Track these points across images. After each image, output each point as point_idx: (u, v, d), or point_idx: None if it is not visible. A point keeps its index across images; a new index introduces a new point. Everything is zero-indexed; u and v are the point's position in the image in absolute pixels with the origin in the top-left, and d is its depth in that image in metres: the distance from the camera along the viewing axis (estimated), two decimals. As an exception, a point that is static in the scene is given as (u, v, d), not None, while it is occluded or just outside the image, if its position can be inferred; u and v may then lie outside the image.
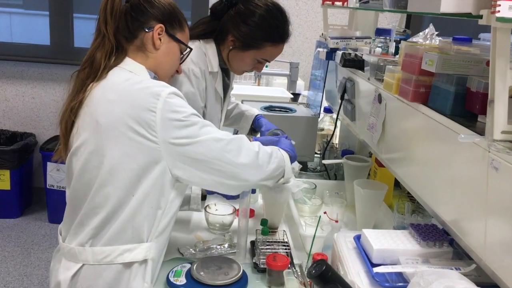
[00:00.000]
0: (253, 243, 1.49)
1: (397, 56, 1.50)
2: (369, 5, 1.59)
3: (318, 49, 2.06)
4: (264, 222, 1.56)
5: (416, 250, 1.13)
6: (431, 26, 1.34)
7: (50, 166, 3.47)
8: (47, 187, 3.52)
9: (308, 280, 1.14)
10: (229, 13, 1.62)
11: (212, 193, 1.52)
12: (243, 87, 3.13)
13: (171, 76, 1.40)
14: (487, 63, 1.01)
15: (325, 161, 2.00)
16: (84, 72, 1.24)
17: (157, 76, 1.31)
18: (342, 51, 1.72)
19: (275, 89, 3.15)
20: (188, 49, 1.38)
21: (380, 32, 1.71)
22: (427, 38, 1.32)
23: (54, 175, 3.49)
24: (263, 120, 1.93)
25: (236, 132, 2.07)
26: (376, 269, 1.07)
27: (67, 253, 1.22)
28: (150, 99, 1.14)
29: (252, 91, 3.06)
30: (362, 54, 1.67)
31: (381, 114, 1.40)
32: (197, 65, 1.59)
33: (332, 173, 2.14)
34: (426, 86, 1.14)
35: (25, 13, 4.28)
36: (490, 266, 0.89)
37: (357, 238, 1.23)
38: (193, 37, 1.60)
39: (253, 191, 1.69)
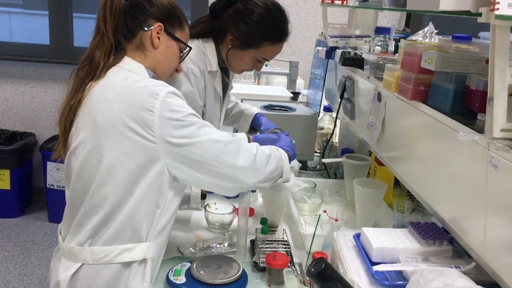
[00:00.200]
0: (253, 242, 1.49)
1: (397, 54, 1.50)
2: (369, 3, 1.59)
3: (318, 47, 2.06)
4: (264, 221, 1.56)
5: (416, 249, 1.13)
6: (431, 25, 1.34)
7: (50, 165, 3.47)
8: (47, 186, 3.52)
9: (308, 278, 1.14)
10: (228, 12, 1.61)
11: (211, 192, 1.52)
12: (243, 86, 3.12)
13: (170, 75, 1.40)
14: (487, 61, 1.01)
15: (324, 160, 2.00)
16: (83, 70, 1.24)
17: (156, 75, 1.30)
18: (341, 50, 1.72)
19: (275, 88, 3.15)
20: (188, 48, 1.38)
21: (380, 30, 1.71)
22: (427, 37, 1.32)
23: (54, 175, 3.49)
24: (262, 119, 1.93)
25: (235, 131, 2.07)
26: (375, 268, 1.07)
27: (66, 253, 1.22)
28: (148, 98, 1.14)
29: (251, 90, 3.05)
30: (361, 53, 1.67)
31: (380, 112, 1.40)
32: (196, 64, 1.59)
33: (332, 172, 2.14)
34: (426, 84, 1.14)
35: (25, 12, 4.28)
36: (490, 264, 0.89)
37: (357, 237, 1.23)
38: (192, 36, 1.60)
39: (253, 190, 1.69)
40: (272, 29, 1.61)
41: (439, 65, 1.04)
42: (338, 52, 1.71)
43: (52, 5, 3.79)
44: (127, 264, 1.19)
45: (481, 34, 1.32)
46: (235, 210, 1.60)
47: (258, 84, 3.39)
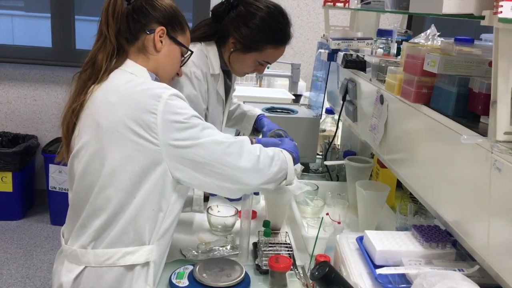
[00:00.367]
0: (255, 244, 1.49)
1: (399, 57, 1.50)
2: (371, 6, 1.59)
3: (320, 50, 2.06)
4: (266, 223, 1.56)
5: (419, 252, 1.13)
6: (433, 27, 1.34)
7: (52, 168, 3.47)
8: (49, 189, 3.52)
9: (311, 281, 1.14)
10: (230, 15, 1.62)
11: (214, 194, 1.52)
12: (245, 88, 3.13)
13: (172, 79, 1.40)
14: (490, 64, 1.01)
15: (327, 162, 2.00)
16: (85, 73, 1.24)
17: (158, 78, 1.31)
18: (343, 52, 1.72)
19: (277, 90, 3.15)
20: (189, 52, 1.38)
21: (382, 33, 1.71)
22: (429, 39, 1.32)
23: (56, 177, 3.49)
24: (265, 120, 1.92)
25: (238, 133, 2.07)
26: (379, 271, 1.07)
27: (69, 255, 1.22)
28: (151, 101, 1.14)
29: (253, 92, 3.06)
30: (363, 55, 1.67)
31: (383, 115, 1.40)
32: (198, 67, 1.59)
33: (334, 174, 2.13)
34: (428, 87, 1.14)
35: (27, 15, 4.28)
36: (494, 268, 0.89)
37: (360, 240, 1.22)
38: (195, 39, 1.60)
39: (256, 193, 1.69)
40: (274, 33, 1.61)
41: (442, 68, 1.04)
42: (340, 54, 1.71)
43: (54, 8, 3.79)
44: (130, 267, 1.19)
45: (483, 36, 1.32)
46: (238, 213, 1.60)
47: (260, 86, 3.39)
